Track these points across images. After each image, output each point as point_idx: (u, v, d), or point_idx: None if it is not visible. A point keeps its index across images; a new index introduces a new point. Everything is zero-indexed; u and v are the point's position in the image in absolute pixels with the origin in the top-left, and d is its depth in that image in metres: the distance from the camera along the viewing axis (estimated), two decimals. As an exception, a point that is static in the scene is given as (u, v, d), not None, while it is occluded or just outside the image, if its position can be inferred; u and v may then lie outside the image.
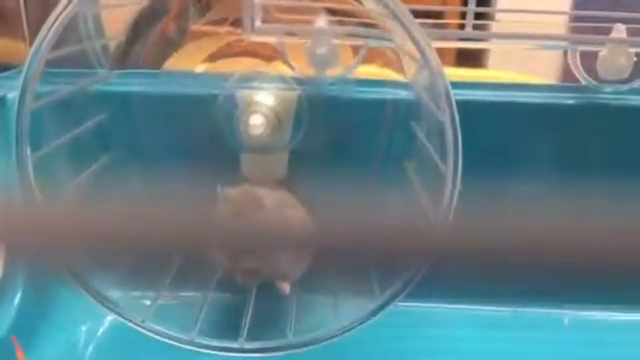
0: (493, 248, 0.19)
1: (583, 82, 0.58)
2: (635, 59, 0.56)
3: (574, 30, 0.57)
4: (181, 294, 0.58)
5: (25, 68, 0.45)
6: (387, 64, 0.62)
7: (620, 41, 0.55)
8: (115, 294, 0.51)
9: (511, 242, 0.19)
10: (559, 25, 0.59)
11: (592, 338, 0.61)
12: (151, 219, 0.19)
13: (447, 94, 0.43)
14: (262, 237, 0.22)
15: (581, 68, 0.57)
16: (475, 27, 0.57)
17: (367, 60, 0.58)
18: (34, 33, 0.46)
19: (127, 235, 0.19)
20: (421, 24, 0.45)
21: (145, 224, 0.19)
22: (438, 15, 0.59)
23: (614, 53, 0.55)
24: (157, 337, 0.50)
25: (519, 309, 0.63)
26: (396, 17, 0.43)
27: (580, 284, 0.18)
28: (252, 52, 0.61)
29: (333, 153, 0.59)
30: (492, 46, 0.59)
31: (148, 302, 0.54)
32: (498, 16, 0.62)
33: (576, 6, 0.55)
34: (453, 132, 0.43)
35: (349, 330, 0.48)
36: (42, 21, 0.45)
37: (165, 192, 0.50)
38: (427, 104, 0.48)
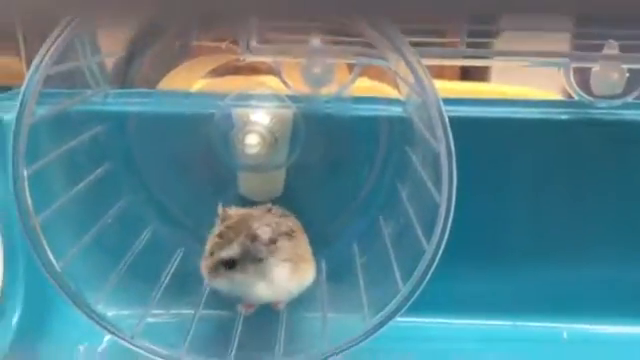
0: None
1: (576, 98, 0.58)
2: (627, 75, 0.56)
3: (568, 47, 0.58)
4: (171, 311, 0.58)
5: (22, 90, 0.45)
6: (382, 78, 0.62)
7: (612, 57, 0.56)
8: (110, 312, 0.51)
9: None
10: (556, 42, 0.60)
11: (591, 352, 0.61)
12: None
13: (444, 123, 0.42)
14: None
15: (574, 84, 0.57)
16: (473, 45, 0.57)
17: (362, 73, 0.58)
18: (31, 54, 0.46)
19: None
20: (417, 42, 0.45)
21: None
22: (439, 32, 0.59)
23: (607, 69, 0.56)
24: (146, 354, 0.50)
25: (518, 323, 0.63)
26: (395, 48, 0.42)
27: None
28: (253, 67, 0.61)
29: (329, 171, 0.59)
30: (489, 63, 0.59)
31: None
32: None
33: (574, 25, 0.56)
34: (449, 164, 0.42)
35: (340, 352, 0.48)
36: (39, 42, 0.45)
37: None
38: (421, 131, 0.48)
